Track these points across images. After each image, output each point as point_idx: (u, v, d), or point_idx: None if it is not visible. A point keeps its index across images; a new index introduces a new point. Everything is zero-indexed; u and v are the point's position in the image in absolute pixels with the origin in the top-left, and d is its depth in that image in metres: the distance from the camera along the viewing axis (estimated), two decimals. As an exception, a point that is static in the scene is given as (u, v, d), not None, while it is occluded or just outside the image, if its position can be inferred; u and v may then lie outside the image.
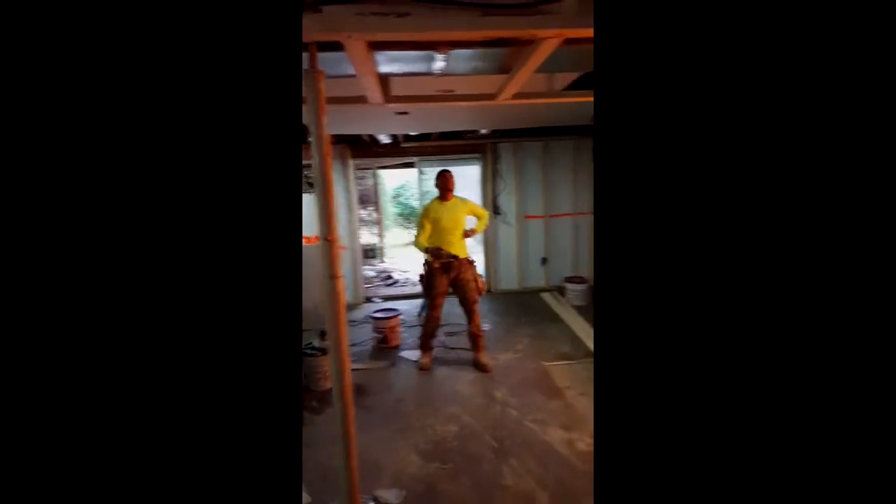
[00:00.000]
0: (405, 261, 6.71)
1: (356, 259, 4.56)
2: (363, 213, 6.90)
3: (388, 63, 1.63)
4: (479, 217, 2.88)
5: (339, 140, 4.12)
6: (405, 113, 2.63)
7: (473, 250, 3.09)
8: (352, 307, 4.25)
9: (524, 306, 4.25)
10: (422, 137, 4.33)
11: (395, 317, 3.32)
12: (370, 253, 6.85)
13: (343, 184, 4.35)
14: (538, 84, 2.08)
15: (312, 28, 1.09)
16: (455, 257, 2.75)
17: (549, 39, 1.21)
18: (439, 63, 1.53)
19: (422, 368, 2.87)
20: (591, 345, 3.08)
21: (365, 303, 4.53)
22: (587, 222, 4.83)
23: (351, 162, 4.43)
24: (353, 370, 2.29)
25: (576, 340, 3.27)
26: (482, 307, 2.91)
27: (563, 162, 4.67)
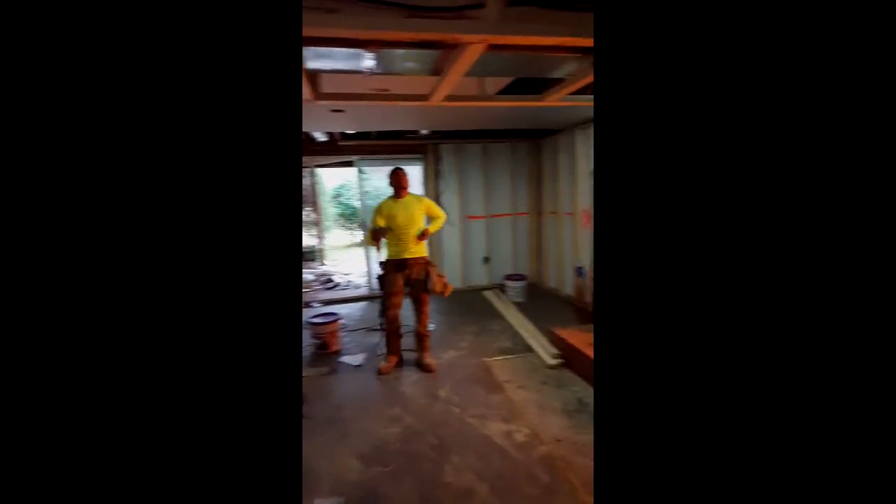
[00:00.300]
0: (347, 263, 6.53)
1: (294, 262, 4.36)
2: (302, 214, 6.61)
3: (316, 59, 1.58)
4: (435, 217, 2.81)
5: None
6: (340, 111, 2.56)
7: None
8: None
9: (468, 305, 4.33)
10: (360, 136, 4.25)
11: (334, 321, 3.23)
12: (309, 256, 6.59)
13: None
14: (470, 88, 2.13)
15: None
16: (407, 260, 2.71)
17: (474, 44, 1.25)
18: (368, 62, 1.51)
19: (379, 372, 2.78)
20: (529, 339, 3.21)
21: (304, 308, 4.35)
22: (525, 222, 5.04)
23: (286, 161, 4.22)
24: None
25: (516, 336, 3.39)
26: (429, 307, 2.90)
27: (501, 164, 4.83)
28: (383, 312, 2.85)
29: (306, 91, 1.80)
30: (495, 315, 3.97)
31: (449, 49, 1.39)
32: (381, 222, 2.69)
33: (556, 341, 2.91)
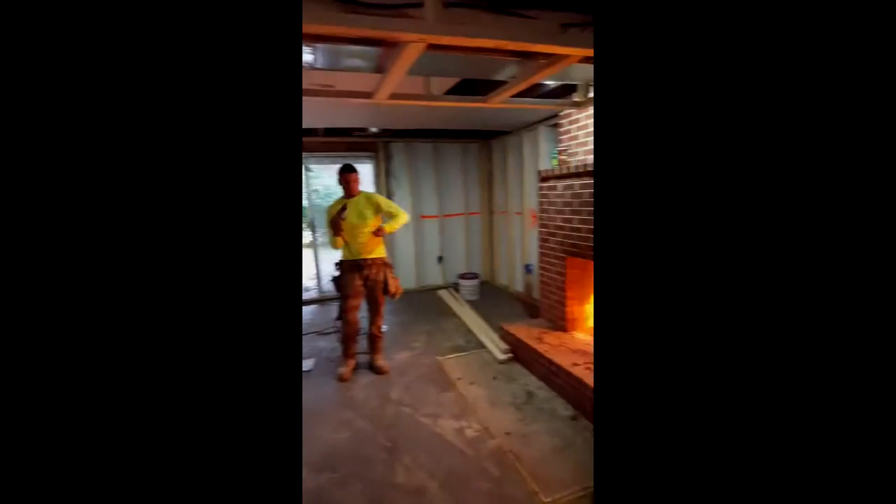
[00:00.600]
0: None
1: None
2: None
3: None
4: (392, 216, 2.66)
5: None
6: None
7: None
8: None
9: (422, 304, 4.33)
10: (307, 133, 4.10)
11: (282, 326, 3.09)
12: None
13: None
14: (416, 87, 2.13)
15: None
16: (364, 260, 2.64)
17: (413, 43, 1.25)
18: (308, 56, 1.46)
19: (339, 379, 2.68)
20: (481, 336, 3.27)
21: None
22: (477, 221, 5.12)
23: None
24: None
25: (469, 333, 3.44)
26: (384, 308, 2.86)
27: (453, 164, 4.87)
28: (341, 315, 2.76)
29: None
30: (449, 314, 4.01)
31: (390, 47, 1.38)
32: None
33: (506, 337, 2.99)
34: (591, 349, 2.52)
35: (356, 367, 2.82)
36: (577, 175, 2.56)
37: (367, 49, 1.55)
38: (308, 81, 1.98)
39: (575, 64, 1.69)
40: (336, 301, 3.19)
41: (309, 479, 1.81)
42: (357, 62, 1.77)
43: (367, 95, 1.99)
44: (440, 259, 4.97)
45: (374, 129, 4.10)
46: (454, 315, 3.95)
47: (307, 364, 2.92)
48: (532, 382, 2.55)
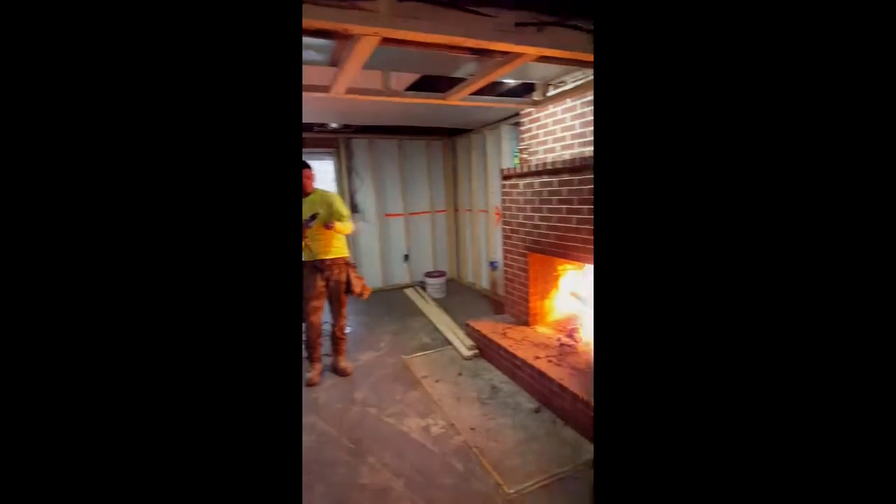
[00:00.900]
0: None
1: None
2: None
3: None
4: (341, 218, 2.58)
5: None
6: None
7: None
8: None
9: (388, 303, 4.28)
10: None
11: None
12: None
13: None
14: (375, 81, 2.10)
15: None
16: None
17: (367, 37, 1.23)
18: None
19: (307, 384, 2.58)
20: (448, 333, 3.28)
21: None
22: (443, 219, 5.13)
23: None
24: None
25: (435, 331, 3.44)
26: (347, 308, 2.80)
27: (418, 161, 4.85)
28: (304, 318, 2.68)
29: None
30: (415, 312, 3.99)
31: (344, 39, 1.34)
32: None
33: (472, 333, 3.02)
34: (552, 342, 2.59)
35: (321, 370, 2.76)
36: (538, 173, 2.62)
37: (322, 41, 1.51)
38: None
39: (533, 63, 1.73)
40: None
41: (268, 487, 1.74)
42: (312, 55, 1.72)
43: (324, 89, 1.94)
44: (406, 257, 4.94)
45: (334, 125, 4.00)
46: (421, 313, 3.93)
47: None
48: (497, 377, 2.59)
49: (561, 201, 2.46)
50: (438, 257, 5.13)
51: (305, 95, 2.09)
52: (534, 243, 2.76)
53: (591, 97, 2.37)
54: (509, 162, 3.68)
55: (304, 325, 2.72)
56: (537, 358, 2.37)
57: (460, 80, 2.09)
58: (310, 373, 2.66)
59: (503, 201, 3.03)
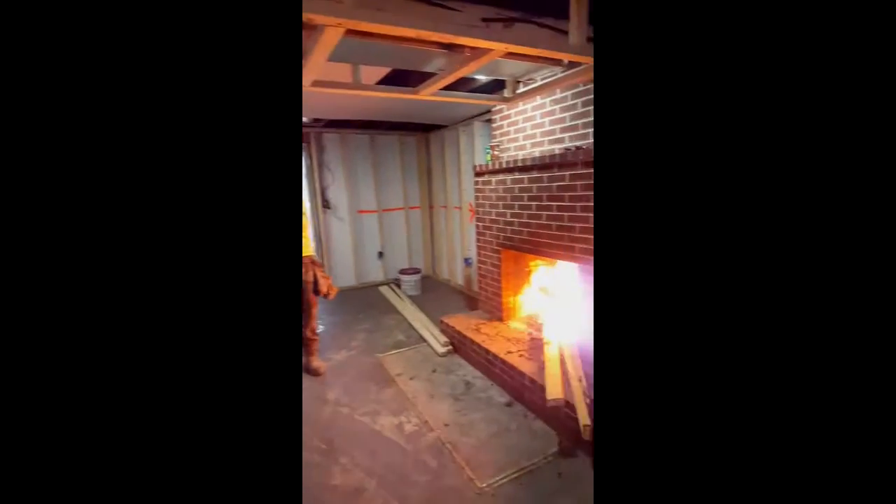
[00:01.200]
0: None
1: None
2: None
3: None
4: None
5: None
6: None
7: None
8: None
9: (362, 302, 4.23)
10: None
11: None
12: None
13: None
14: (344, 75, 2.05)
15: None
16: None
17: (331, 27, 1.19)
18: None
19: None
20: (422, 330, 3.27)
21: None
22: (418, 216, 5.11)
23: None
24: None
25: (410, 329, 3.43)
26: (319, 307, 2.74)
27: (391, 157, 4.79)
28: None
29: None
30: (390, 310, 3.96)
31: (308, 30, 1.30)
32: None
33: (446, 330, 3.02)
34: (525, 337, 2.63)
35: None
36: (509, 170, 2.64)
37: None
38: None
39: (503, 59, 1.73)
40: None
41: (235, 493, 1.69)
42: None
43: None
44: (380, 254, 4.88)
45: (304, 119, 3.90)
46: (395, 311, 3.91)
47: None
48: (471, 373, 2.60)
49: (531, 198, 2.49)
50: (413, 254, 5.11)
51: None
52: (506, 240, 2.79)
53: (560, 94, 2.41)
54: (482, 158, 3.69)
55: None
56: (509, 353, 2.39)
57: (432, 74, 2.08)
58: None
59: (476, 198, 3.04)
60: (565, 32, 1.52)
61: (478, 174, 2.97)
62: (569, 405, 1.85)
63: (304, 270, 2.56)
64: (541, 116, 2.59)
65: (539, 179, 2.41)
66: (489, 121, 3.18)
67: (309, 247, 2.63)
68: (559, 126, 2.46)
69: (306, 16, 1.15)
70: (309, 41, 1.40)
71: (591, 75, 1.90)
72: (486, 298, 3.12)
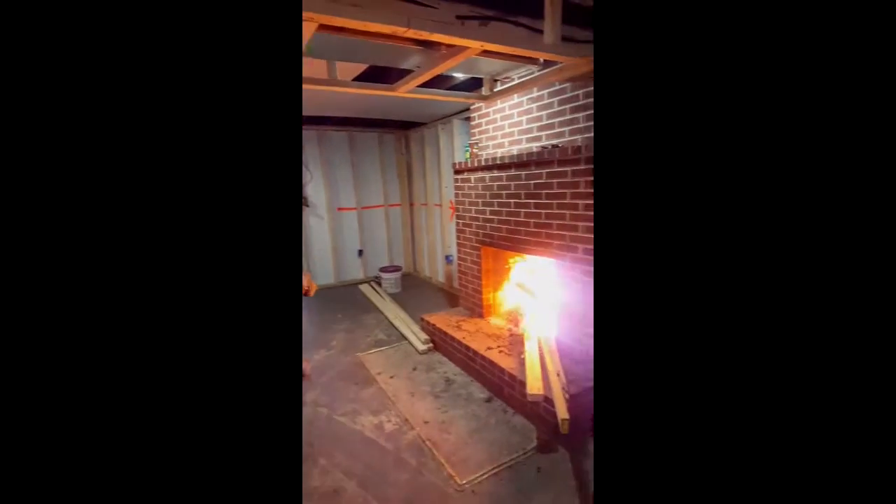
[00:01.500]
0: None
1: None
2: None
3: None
4: None
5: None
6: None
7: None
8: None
9: (341, 300, 4.18)
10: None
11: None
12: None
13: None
14: (319, 71, 2.01)
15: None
16: None
17: (305, 22, 1.17)
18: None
19: None
20: (403, 329, 3.26)
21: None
22: (398, 213, 5.07)
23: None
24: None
25: (390, 327, 3.41)
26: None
27: (370, 154, 4.74)
28: None
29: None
30: (370, 308, 3.93)
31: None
32: None
33: (426, 327, 3.02)
34: (504, 333, 2.65)
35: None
36: (488, 168, 2.65)
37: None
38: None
39: (479, 57, 1.73)
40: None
41: (210, 499, 1.65)
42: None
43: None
44: (360, 252, 4.83)
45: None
46: (376, 309, 3.88)
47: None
48: (451, 369, 2.61)
49: (510, 195, 2.51)
50: (394, 252, 5.08)
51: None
52: (486, 237, 2.80)
53: (537, 93, 2.43)
54: (462, 156, 3.70)
55: None
56: (489, 349, 2.41)
57: (410, 71, 2.06)
58: None
59: (456, 195, 3.05)
60: (540, 31, 1.53)
61: (457, 172, 2.97)
62: (548, 400, 1.89)
63: None
64: (518, 115, 2.61)
65: (517, 177, 2.43)
66: (468, 119, 3.18)
67: None
68: (536, 124, 2.48)
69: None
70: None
71: (566, 74, 1.92)
72: (466, 295, 3.14)
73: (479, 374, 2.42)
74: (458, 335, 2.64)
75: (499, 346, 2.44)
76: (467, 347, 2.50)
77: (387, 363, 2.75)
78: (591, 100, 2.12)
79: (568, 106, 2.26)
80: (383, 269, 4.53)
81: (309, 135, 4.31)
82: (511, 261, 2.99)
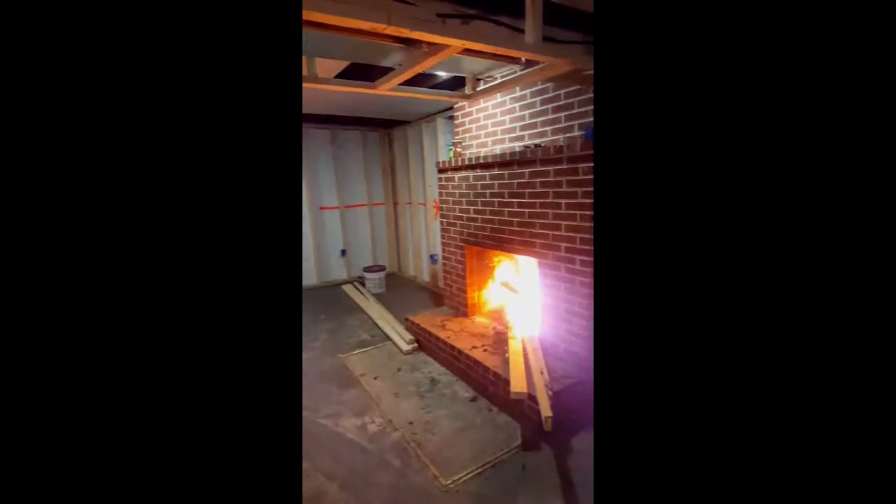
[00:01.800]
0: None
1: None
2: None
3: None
4: None
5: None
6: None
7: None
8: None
9: (324, 301, 4.13)
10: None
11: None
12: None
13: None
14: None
15: None
16: None
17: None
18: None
19: None
20: (387, 329, 3.24)
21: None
22: (382, 212, 5.03)
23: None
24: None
25: (374, 328, 3.38)
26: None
27: (353, 153, 4.69)
28: None
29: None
30: (353, 309, 3.88)
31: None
32: None
33: (411, 327, 3.00)
34: (489, 332, 2.66)
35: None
36: (471, 167, 2.65)
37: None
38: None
39: (461, 56, 1.73)
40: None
41: None
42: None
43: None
44: (343, 252, 4.78)
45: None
46: (359, 310, 3.84)
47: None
48: (436, 369, 2.61)
49: (493, 195, 2.52)
50: (378, 251, 5.04)
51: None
52: (470, 236, 2.80)
53: (519, 92, 2.44)
54: (446, 155, 3.69)
55: None
56: (474, 348, 2.41)
57: (391, 69, 2.04)
58: None
59: (440, 194, 3.04)
60: (522, 31, 1.53)
61: (441, 171, 2.96)
62: (532, 398, 1.90)
63: None
64: (501, 114, 2.61)
65: (500, 176, 2.43)
66: (452, 117, 3.18)
67: None
68: (519, 124, 2.49)
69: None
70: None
71: (547, 73, 1.93)
72: (451, 295, 3.13)
73: (463, 373, 2.42)
74: (442, 335, 2.64)
75: (483, 345, 2.45)
76: (452, 347, 2.50)
77: (371, 364, 2.73)
78: (573, 100, 2.14)
79: (550, 105, 2.27)
80: (367, 269, 4.49)
81: (290, 133, 4.23)
82: (495, 260, 3.00)
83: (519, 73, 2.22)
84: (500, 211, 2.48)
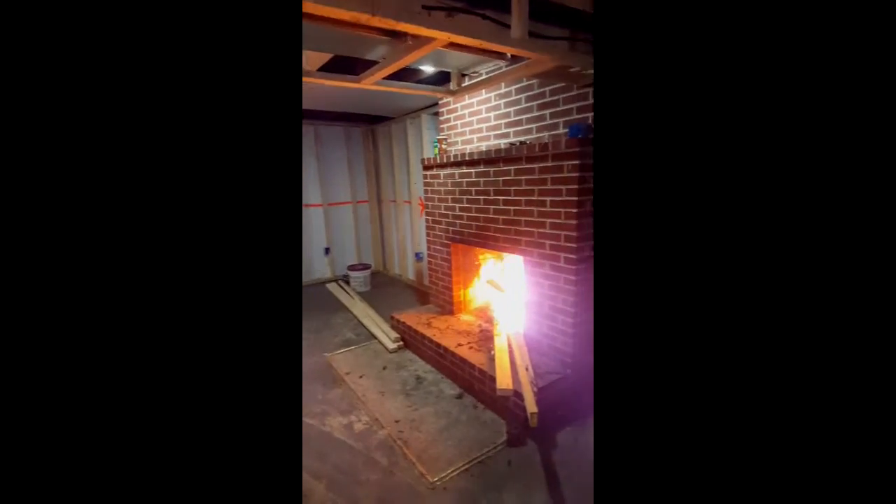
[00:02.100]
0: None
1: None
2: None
3: None
4: None
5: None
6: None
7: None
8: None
9: (308, 300, 4.06)
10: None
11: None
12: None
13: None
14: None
15: None
16: None
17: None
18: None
19: None
20: (372, 327, 3.20)
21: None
22: (366, 210, 4.98)
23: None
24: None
25: (359, 326, 3.34)
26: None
27: (336, 149, 4.62)
28: None
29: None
30: (338, 308, 3.83)
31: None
32: None
33: (396, 325, 2.98)
34: (475, 329, 2.66)
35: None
36: (457, 164, 2.64)
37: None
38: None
39: (446, 50, 1.71)
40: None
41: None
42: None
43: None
44: (327, 251, 4.71)
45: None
46: (344, 309, 3.79)
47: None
48: (422, 367, 2.59)
49: (479, 192, 2.51)
50: (362, 249, 4.98)
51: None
52: (456, 233, 2.79)
53: (504, 89, 2.44)
54: (431, 152, 3.67)
55: None
56: (459, 345, 2.41)
57: (376, 63, 2.01)
58: None
59: (426, 192, 3.02)
60: (507, 26, 1.53)
61: (426, 168, 2.94)
62: (517, 394, 1.90)
63: None
64: (486, 111, 2.61)
65: (486, 174, 2.43)
66: (436, 114, 3.16)
67: None
68: (504, 121, 2.49)
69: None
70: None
71: (533, 70, 1.93)
72: (437, 292, 3.12)
73: (449, 370, 2.42)
74: (428, 332, 2.62)
75: (469, 343, 2.45)
76: (438, 345, 2.49)
77: (356, 363, 2.70)
78: (558, 97, 2.15)
79: (535, 103, 2.28)
80: (352, 268, 4.43)
81: (271, 128, 4.14)
82: (481, 257, 3.00)
83: (504, 69, 2.22)
84: (486, 208, 2.47)
